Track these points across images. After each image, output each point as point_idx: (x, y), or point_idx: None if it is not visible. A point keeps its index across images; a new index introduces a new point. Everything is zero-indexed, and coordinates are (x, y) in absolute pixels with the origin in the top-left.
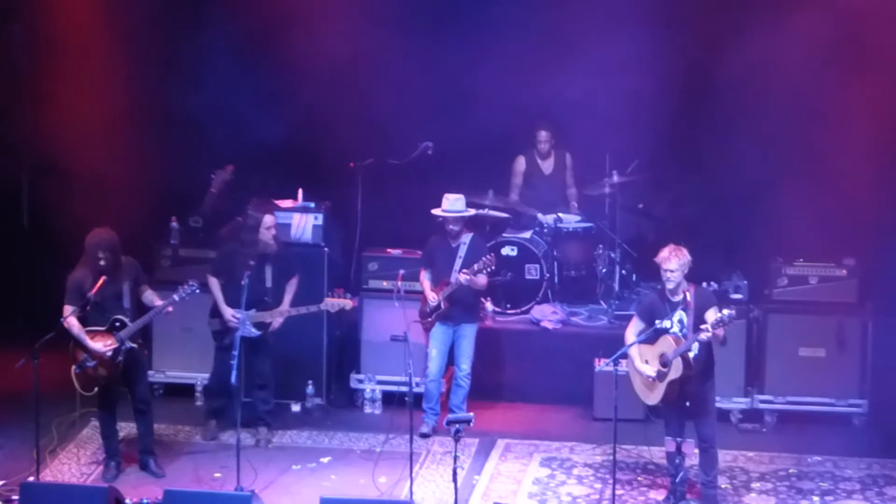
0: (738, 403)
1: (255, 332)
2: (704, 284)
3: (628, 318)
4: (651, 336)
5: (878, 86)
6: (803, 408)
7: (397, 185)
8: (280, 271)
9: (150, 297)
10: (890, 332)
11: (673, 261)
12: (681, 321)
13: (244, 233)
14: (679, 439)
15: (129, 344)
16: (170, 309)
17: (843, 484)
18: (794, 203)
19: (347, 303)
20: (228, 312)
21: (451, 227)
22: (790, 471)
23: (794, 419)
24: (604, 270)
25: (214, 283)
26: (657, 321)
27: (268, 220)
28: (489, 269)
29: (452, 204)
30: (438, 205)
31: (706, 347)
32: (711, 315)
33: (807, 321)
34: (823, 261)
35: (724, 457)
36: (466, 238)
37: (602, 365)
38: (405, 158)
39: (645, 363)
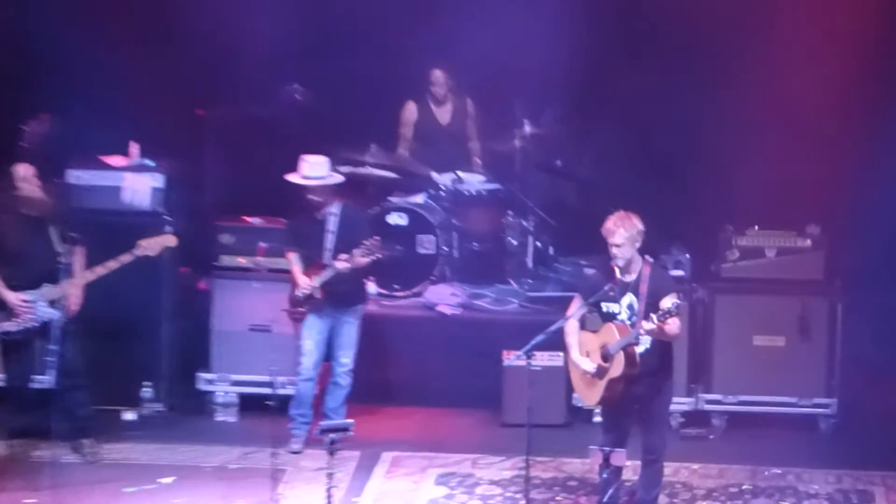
0: (680, 404)
1: (51, 313)
2: None
3: (543, 302)
4: (595, 321)
5: (843, 20)
6: (759, 409)
7: (258, 138)
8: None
9: None
10: (863, 316)
11: (619, 232)
12: (630, 306)
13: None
14: (607, 448)
15: None
16: None
17: (808, 501)
18: (747, 160)
19: (170, 238)
20: (12, 297)
21: (311, 196)
22: (743, 486)
23: (748, 423)
24: (514, 243)
25: None
26: (603, 304)
27: (20, 170)
28: (374, 256)
29: (312, 168)
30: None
31: (661, 341)
32: (667, 303)
33: (763, 303)
34: (783, 229)
35: (665, 469)
36: (336, 207)
37: (512, 358)
38: (268, 106)
39: (585, 356)
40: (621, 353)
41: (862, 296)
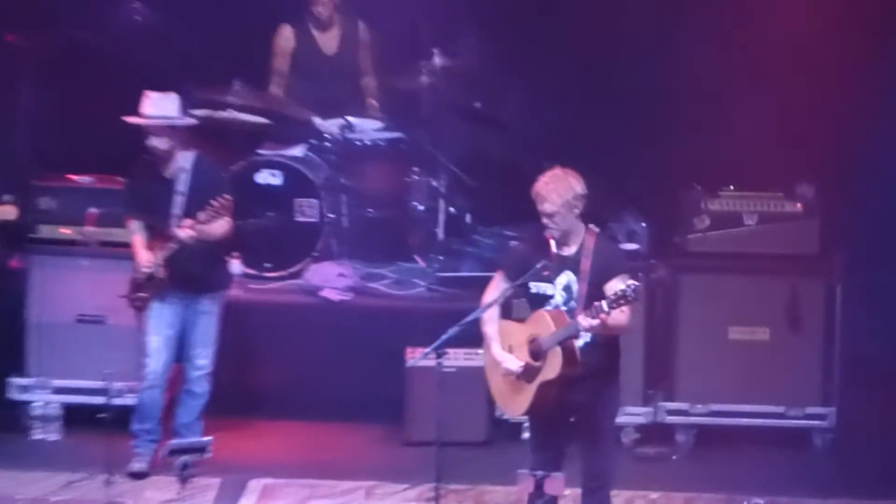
0: (634, 416)
1: None
2: None
3: (457, 284)
4: (522, 308)
5: None
6: (736, 421)
7: (89, 73)
8: None
9: None
10: (869, 301)
11: (551, 196)
12: (568, 288)
13: None
14: (539, 473)
15: None
16: None
17: None
18: (722, 103)
19: (10, 210)
20: None
21: (155, 144)
22: None
23: (722, 439)
24: (421, 209)
25: None
26: (532, 286)
27: None
28: (222, 219)
29: (155, 106)
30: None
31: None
32: (619, 286)
33: (740, 285)
34: (766, 190)
35: (615, 499)
36: (186, 160)
37: (418, 357)
38: (100, 30)
39: (507, 350)
40: (557, 348)
41: (868, 275)
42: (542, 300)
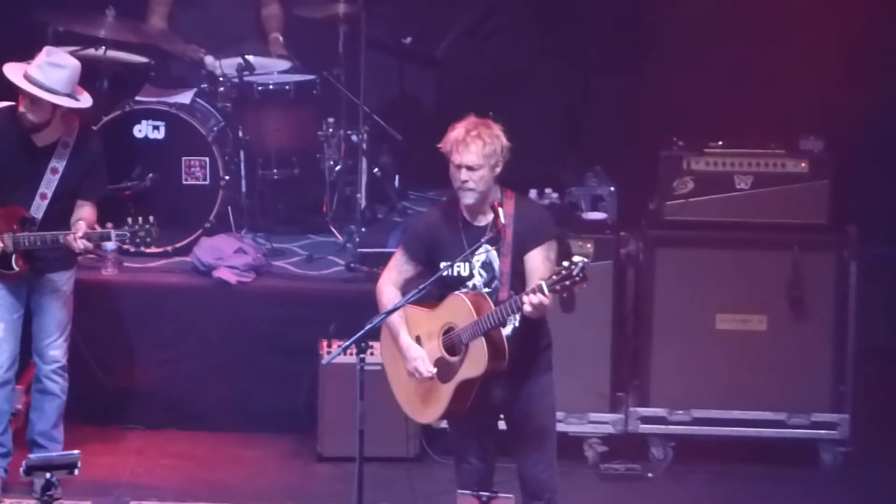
0: (600, 425)
1: None
2: (534, 193)
3: (382, 262)
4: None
5: None
6: (724, 431)
7: None
8: None
9: None
10: (891, 281)
11: (471, 148)
12: (487, 265)
13: None
14: (485, 494)
15: None
16: None
17: None
18: (709, 39)
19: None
20: None
21: (27, 114)
22: None
23: (708, 453)
24: (338, 169)
25: None
26: (441, 264)
27: None
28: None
29: (48, 73)
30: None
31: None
32: (540, 261)
33: (731, 262)
34: (762, 146)
35: None
36: (70, 132)
37: (334, 352)
38: None
39: (414, 341)
40: (481, 340)
41: (888, 250)
42: (458, 283)
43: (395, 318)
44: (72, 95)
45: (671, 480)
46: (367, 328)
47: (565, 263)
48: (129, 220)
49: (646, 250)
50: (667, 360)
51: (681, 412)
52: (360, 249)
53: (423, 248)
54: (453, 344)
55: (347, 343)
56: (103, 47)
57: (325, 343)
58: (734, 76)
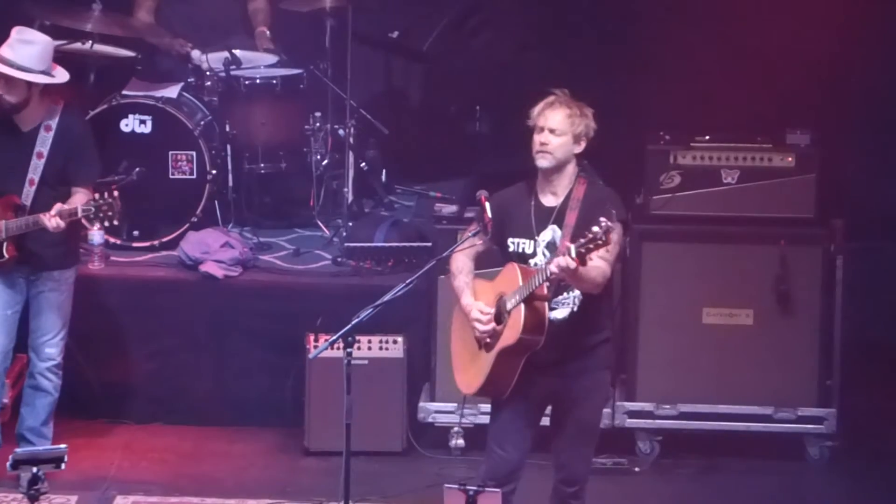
0: None
1: None
2: None
3: (369, 256)
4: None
5: None
6: (711, 426)
7: None
8: None
9: None
10: (878, 275)
11: (558, 111)
12: (552, 244)
13: None
14: (472, 489)
15: None
16: None
17: None
18: (697, 31)
19: None
20: None
21: (4, 96)
22: None
23: (694, 448)
24: (325, 163)
25: None
26: (510, 241)
27: None
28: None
29: (19, 51)
30: None
31: (594, 304)
32: (594, 228)
33: (718, 257)
34: (749, 140)
35: None
36: (52, 114)
37: (321, 346)
38: None
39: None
40: (521, 307)
41: (875, 244)
42: (521, 260)
43: (461, 283)
44: (46, 72)
45: (658, 474)
46: (353, 322)
47: (594, 228)
48: (95, 195)
49: (632, 245)
50: (653, 354)
51: (667, 406)
52: (346, 244)
53: (501, 218)
54: (500, 312)
55: (334, 337)
56: (90, 41)
57: (311, 337)
58: (721, 69)
